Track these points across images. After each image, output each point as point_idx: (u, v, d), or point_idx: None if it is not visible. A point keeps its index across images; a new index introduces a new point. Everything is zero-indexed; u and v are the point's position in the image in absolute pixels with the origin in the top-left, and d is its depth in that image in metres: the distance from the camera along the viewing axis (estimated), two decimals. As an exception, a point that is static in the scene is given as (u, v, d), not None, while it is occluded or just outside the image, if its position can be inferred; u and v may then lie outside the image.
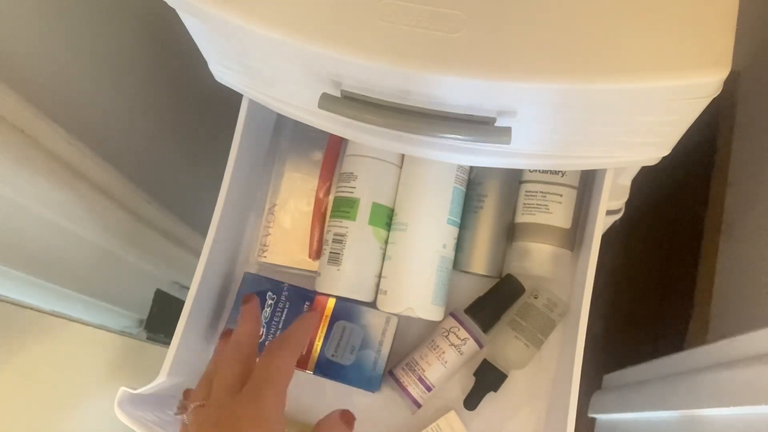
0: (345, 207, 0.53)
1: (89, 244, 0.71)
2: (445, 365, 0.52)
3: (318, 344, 0.52)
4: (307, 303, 0.54)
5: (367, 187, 0.53)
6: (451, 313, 0.54)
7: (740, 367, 0.63)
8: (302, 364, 0.52)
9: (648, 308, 1.13)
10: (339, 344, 0.52)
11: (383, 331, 0.52)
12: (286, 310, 0.54)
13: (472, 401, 0.53)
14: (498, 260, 0.55)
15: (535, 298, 0.53)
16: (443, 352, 0.52)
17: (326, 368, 0.52)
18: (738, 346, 0.66)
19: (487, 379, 0.53)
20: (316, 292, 0.54)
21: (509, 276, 0.54)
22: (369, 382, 0.51)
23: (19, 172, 0.53)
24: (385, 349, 0.52)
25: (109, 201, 0.68)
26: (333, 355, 0.52)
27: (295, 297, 0.54)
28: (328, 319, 0.53)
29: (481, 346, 0.53)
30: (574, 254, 0.55)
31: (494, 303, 0.54)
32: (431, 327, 0.55)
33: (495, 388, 0.53)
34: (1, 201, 0.54)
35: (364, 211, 0.53)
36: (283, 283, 0.54)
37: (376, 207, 0.53)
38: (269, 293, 0.54)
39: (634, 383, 0.90)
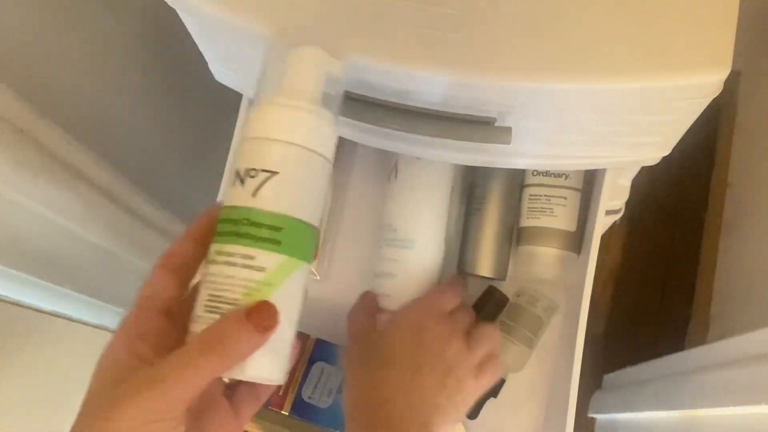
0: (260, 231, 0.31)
1: (89, 244, 0.71)
2: None
3: (295, 385, 0.51)
4: None
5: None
6: None
7: (740, 367, 0.63)
8: (278, 404, 0.51)
9: (648, 308, 1.13)
10: (317, 386, 0.51)
11: None
12: None
13: (473, 410, 0.53)
14: (503, 262, 0.55)
15: (518, 296, 0.54)
16: None
17: (302, 410, 0.51)
18: (738, 346, 0.66)
19: None
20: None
21: (491, 288, 0.54)
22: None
23: (19, 172, 0.53)
24: None
25: (109, 201, 0.68)
26: (310, 398, 0.51)
27: None
28: (307, 359, 0.51)
29: None
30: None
31: (481, 317, 0.54)
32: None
33: (495, 395, 0.53)
34: (1, 201, 0.54)
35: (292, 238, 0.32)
36: None
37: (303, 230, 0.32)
38: None
39: (634, 383, 0.90)
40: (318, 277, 0.57)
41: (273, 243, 0.30)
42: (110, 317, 0.82)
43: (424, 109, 0.39)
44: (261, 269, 0.30)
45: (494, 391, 0.53)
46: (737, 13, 0.34)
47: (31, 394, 0.65)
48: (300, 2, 0.37)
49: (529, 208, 0.54)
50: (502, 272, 0.55)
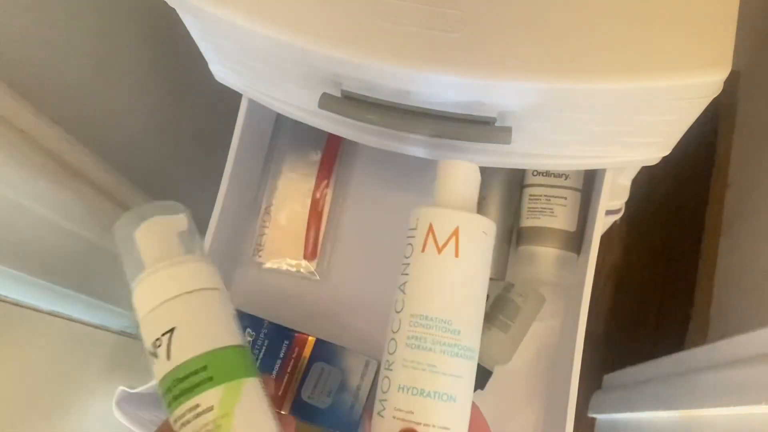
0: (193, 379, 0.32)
1: (89, 244, 0.71)
2: None
3: (294, 385, 0.51)
4: (285, 342, 0.52)
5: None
6: None
7: (740, 367, 0.63)
8: (277, 405, 0.50)
9: (648, 308, 1.13)
10: (316, 386, 0.51)
11: (362, 375, 0.51)
12: (264, 347, 0.52)
13: None
14: (501, 262, 0.55)
15: (502, 288, 0.54)
16: None
17: (301, 410, 0.50)
18: (738, 346, 0.66)
19: None
20: (295, 331, 0.52)
21: None
22: (345, 427, 0.50)
23: (19, 172, 0.53)
24: (363, 394, 0.51)
25: (109, 201, 0.68)
26: (309, 397, 0.50)
27: (275, 335, 0.52)
28: (307, 359, 0.51)
29: None
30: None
31: None
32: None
33: (481, 386, 0.53)
34: (1, 201, 0.54)
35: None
36: (263, 320, 0.53)
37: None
38: (248, 330, 0.52)
39: (634, 383, 0.90)
40: (318, 277, 0.57)
41: (206, 382, 0.31)
42: (110, 317, 0.82)
43: (424, 109, 0.39)
44: (210, 409, 0.31)
45: (480, 383, 0.52)
46: (737, 13, 0.34)
47: (30, 394, 0.65)
48: (300, 2, 0.37)
49: (529, 208, 0.54)
50: (500, 272, 0.55)
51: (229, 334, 0.33)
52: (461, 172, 0.37)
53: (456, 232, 0.35)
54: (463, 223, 0.35)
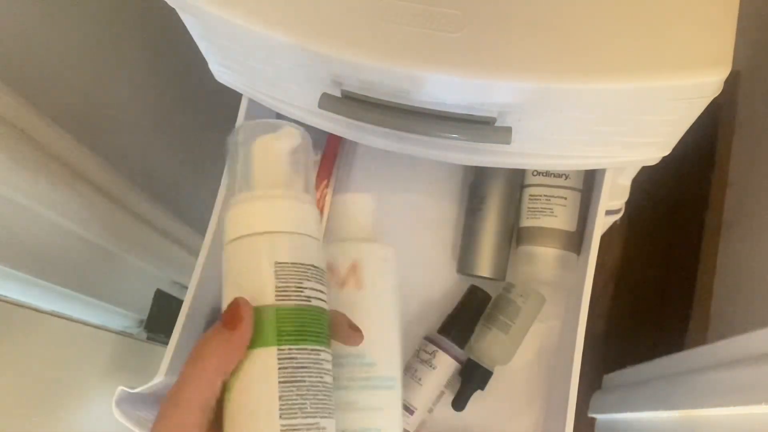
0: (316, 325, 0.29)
1: (89, 244, 0.71)
2: (420, 383, 0.52)
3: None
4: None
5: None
6: (425, 337, 0.54)
7: (740, 367, 0.63)
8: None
9: (648, 308, 1.13)
10: None
11: None
12: None
13: (459, 401, 0.53)
14: (502, 262, 0.55)
15: (502, 288, 0.54)
16: (416, 371, 0.52)
17: None
18: (738, 346, 0.66)
19: (472, 377, 0.53)
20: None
21: (474, 287, 0.54)
22: None
23: (19, 172, 0.53)
24: None
25: (109, 201, 0.68)
26: None
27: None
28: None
29: (460, 362, 0.53)
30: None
31: (465, 317, 0.54)
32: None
33: (482, 386, 0.53)
34: (1, 201, 0.54)
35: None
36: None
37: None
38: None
39: (634, 383, 0.90)
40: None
41: None
42: (110, 317, 0.82)
43: (424, 109, 0.39)
44: None
45: (481, 384, 0.53)
46: (737, 13, 0.35)
47: (30, 394, 0.65)
48: (300, 3, 0.37)
49: (529, 208, 0.54)
50: (501, 273, 0.55)
51: (257, 292, 0.28)
52: (353, 206, 0.36)
53: (355, 265, 0.34)
54: (361, 254, 0.35)
